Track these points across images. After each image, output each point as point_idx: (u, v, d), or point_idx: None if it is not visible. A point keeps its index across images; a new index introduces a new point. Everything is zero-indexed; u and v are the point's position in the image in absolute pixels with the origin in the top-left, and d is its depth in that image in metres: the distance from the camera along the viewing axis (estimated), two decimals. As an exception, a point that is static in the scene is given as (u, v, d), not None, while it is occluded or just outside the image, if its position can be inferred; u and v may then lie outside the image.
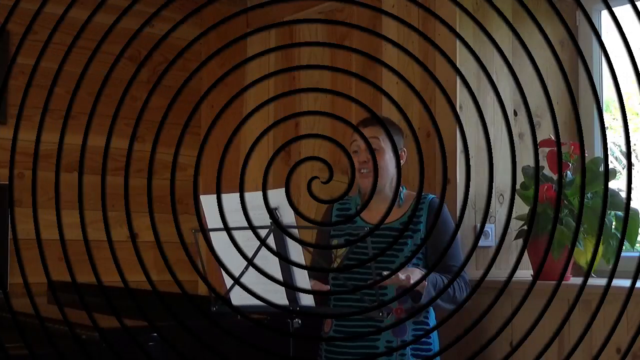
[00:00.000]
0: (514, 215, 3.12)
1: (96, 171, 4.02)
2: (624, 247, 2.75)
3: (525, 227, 2.90)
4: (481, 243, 3.06)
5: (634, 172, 3.43)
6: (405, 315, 2.54)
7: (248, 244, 2.14)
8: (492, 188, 3.12)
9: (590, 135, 3.25)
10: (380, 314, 2.13)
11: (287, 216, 2.09)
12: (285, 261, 2.12)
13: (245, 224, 2.12)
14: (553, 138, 2.94)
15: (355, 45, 3.66)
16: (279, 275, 2.15)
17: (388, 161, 2.64)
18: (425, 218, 2.63)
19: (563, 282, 2.79)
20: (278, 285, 2.16)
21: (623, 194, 2.80)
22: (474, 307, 2.93)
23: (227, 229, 2.16)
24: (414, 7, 3.30)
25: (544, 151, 3.06)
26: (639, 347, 2.46)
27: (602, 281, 2.77)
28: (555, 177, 2.88)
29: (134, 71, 4.19)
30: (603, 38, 3.29)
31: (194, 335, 2.46)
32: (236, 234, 2.15)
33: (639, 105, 3.47)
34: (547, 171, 2.91)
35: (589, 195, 2.75)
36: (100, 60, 4.53)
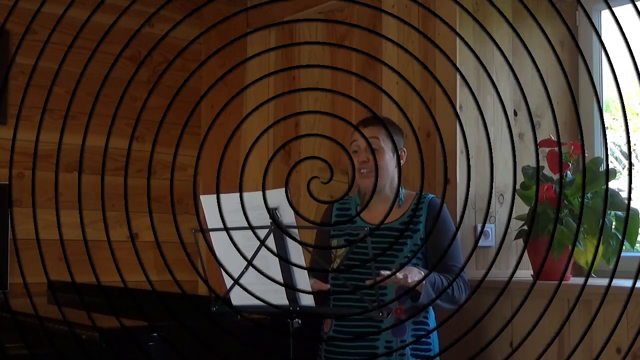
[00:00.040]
0: (514, 215, 3.13)
1: (96, 171, 4.03)
2: (624, 247, 2.75)
3: (525, 227, 2.89)
4: (481, 243, 3.06)
5: (634, 172, 3.43)
6: (404, 315, 2.54)
7: (248, 244, 2.14)
8: (492, 188, 3.12)
9: (590, 135, 3.25)
10: (381, 314, 2.13)
11: (287, 216, 2.09)
12: (286, 262, 2.12)
13: (245, 224, 2.12)
14: (553, 138, 2.94)
15: (355, 45, 3.65)
16: (279, 275, 2.14)
17: (388, 161, 2.64)
18: (424, 218, 2.63)
19: (563, 282, 2.79)
20: (278, 285, 2.16)
21: (623, 194, 2.80)
22: (474, 307, 2.93)
23: (227, 229, 2.15)
24: (414, 7, 3.30)
25: (544, 151, 3.06)
26: (639, 347, 2.46)
27: (602, 281, 2.77)
28: (555, 177, 2.88)
29: (134, 71, 4.20)
30: (603, 38, 3.29)
31: (194, 335, 2.46)
32: (236, 234, 2.15)
33: (639, 105, 3.47)
34: (547, 171, 2.91)
35: (589, 195, 2.75)
36: (100, 60, 4.52)
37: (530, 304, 2.78)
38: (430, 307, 2.62)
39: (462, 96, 3.07)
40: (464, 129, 3.07)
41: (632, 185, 3.29)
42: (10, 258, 3.66)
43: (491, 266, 3.10)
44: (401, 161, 2.70)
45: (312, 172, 3.85)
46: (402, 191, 2.69)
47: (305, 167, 3.91)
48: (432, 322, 2.62)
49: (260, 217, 2.09)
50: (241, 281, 2.19)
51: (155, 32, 4.24)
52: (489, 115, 3.14)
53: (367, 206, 2.71)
